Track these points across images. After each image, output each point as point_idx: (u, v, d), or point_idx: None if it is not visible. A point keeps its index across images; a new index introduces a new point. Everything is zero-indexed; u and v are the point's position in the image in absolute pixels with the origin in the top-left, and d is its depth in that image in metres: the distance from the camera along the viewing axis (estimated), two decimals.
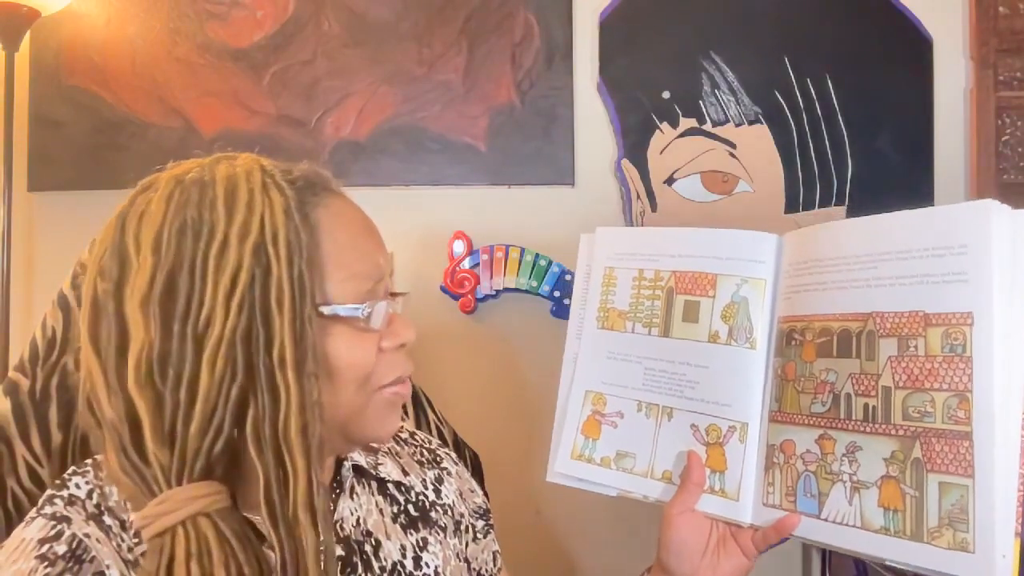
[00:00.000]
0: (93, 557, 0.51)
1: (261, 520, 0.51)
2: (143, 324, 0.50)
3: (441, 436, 1.02)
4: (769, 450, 0.68)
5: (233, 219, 0.52)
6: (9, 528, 0.62)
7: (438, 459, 0.76)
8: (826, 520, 0.62)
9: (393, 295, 0.61)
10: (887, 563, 0.59)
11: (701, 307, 0.73)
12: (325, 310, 0.54)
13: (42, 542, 0.51)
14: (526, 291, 1.53)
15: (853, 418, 0.62)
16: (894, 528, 0.58)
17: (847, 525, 0.61)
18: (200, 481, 0.50)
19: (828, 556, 1.49)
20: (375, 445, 0.71)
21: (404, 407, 0.99)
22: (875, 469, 0.60)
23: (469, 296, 1.53)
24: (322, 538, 0.51)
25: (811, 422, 0.65)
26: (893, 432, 0.59)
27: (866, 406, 0.61)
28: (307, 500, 0.50)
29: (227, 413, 0.51)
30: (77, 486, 0.55)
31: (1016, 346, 0.55)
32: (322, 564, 0.51)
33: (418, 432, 0.79)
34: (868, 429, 0.61)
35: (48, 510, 0.53)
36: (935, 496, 0.56)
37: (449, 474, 0.75)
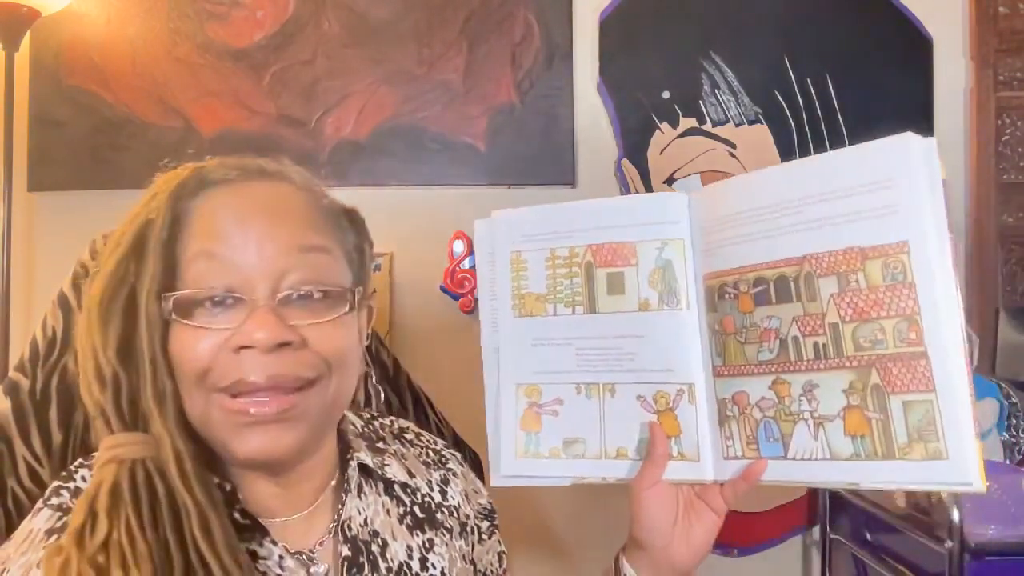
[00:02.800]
0: None
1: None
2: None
3: (441, 436, 1.02)
4: (720, 404, 0.68)
5: (124, 226, 0.56)
6: (9, 528, 0.62)
7: (444, 460, 0.76)
8: (793, 459, 0.63)
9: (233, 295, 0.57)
10: (862, 488, 0.61)
11: (626, 277, 0.72)
12: (165, 296, 0.54)
13: (49, 533, 0.52)
14: None
15: (804, 359, 0.63)
16: (864, 452, 0.59)
17: (816, 460, 0.62)
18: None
19: (828, 557, 1.49)
20: (381, 445, 0.70)
21: (404, 407, 0.98)
22: (835, 402, 0.61)
23: (469, 296, 1.53)
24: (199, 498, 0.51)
25: (761, 371, 0.65)
26: (848, 364, 0.61)
27: (816, 344, 0.62)
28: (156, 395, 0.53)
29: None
30: (83, 479, 0.56)
31: (944, 268, 0.58)
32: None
33: (424, 433, 0.79)
34: (822, 366, 0.62)
35: (55, 501, 0.54)
36: (900, 415, 0.58)
37: (455, 475, 0.75)
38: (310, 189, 0.61)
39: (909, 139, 0.60)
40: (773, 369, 0.64)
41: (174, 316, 0.53)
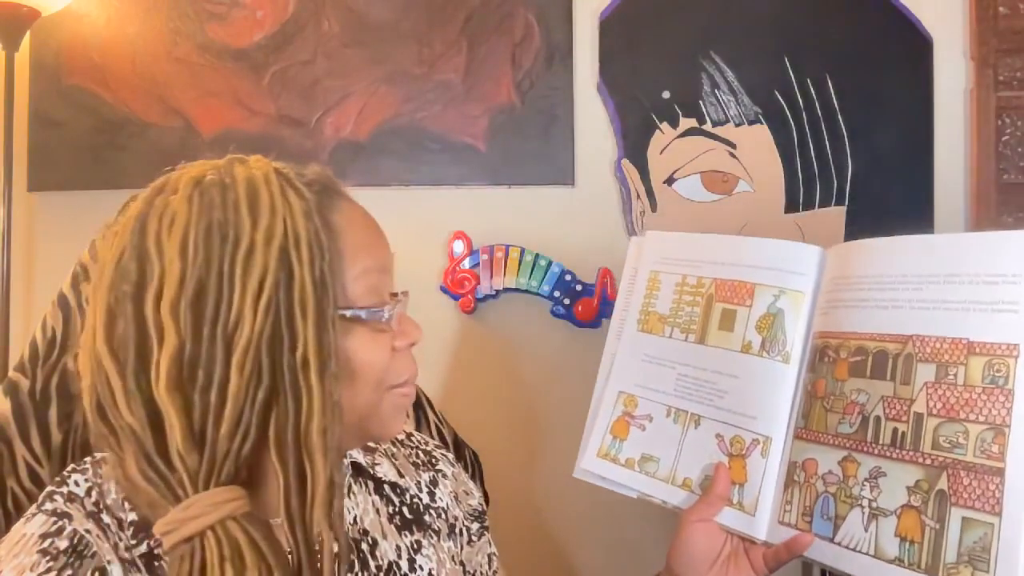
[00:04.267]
0: (94, 553, 0.52)
1: (275, 524, 0.52)
2: (174, 328, 0.50)
3: (441, 436, 1.03)
4: (791, 467, 0.66)
5: (258, 223, 0.52)
6: (9, 529, 0.62)
7: (434, 461, 0.76)
8: (839, 544, 0.61)
9: (393, 295, 0.61)
10: None
11: (737, 316, 0.72)
12: (347, 313, 0.55)
13: (43, 537, 0.51)
14: (526, 291, 1.53)
15: (880, 442, 0.60)
16: (908, 560, 0.56)
17: (859, 552, 0.59)
18: (226, 486, 0.50)
19: None
20: (372, 445, 0.71)
21: None
22: (897, 497, 0.58)
23: (469, 296, 1.53)
24: (339, 539, 0.51)
25: (836, 442, 0.63)
26: (920, 460, 0.57)
27: (895, 431, 0.59)
28: (326, 501, 0.51)
29: (254, 415, 0.51)
30: (76, 483, 0.55)
31: None
32: (336, 565, 0.51)
33: (415, 433, 0.79)
34: (894, 455, 0.59)
35: (48, 506, 0.54)
36: (956, 531, 0.54)
37: (444, 476, 0.75)
38: None
39: None
40: (848, 445, 0.62)
41: (382, 325, 0.58)
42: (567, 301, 1.52)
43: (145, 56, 1.62)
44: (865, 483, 0.60)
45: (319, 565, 0.50)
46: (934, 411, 0.58)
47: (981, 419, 0.55)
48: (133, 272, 0.52)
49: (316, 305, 0.52)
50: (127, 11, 1.62)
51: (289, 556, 0.51)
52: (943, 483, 0.56)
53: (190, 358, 0.50)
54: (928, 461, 0.57)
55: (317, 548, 0.51)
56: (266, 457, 0.52)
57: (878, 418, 0.61)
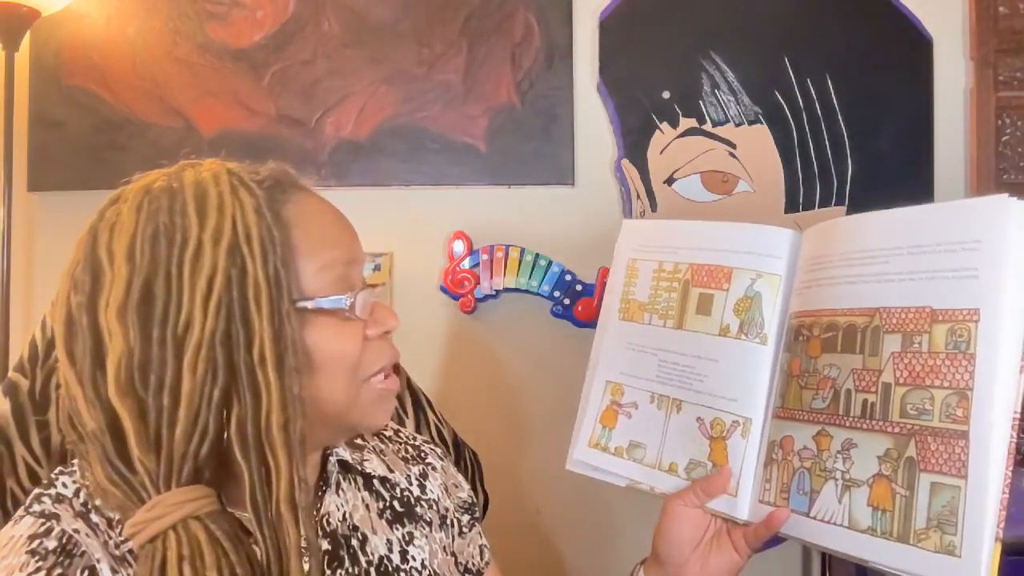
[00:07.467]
0: (83, 552, 0.52)
1: (248, 518, 0.52)
2: (121, 332, 0.51)
3: (441, 436, 1.03)
4: (770, 446, 0.67)
5: (205, 223, 0.53)
6: None
7: (423, 455, 0.77)
8: (814, 518, 0.62)
9: (370, 286, 0.61)
10: (870, 565, 0.58)
11: (715, 300, 0.73)
12: (308, 304, 0.55)
13: (32, 538, 0.52)
14: (526, 291, 1.53)
15: (851, 415, 0.61)
16: (880, 529, 0.57)
17: (834, 524, 0.60)
18: (188, 485, 0.51)
19: (828, 556, 1.49)
20: (360, 442, 0.72)
21: (404, 407, 0.99)
22: (868, 467, 0.59)
23: (469, 296, 1.53)
24: (304, 534, 0.51)
25: (810, 418, 0.64)
26: (889, 429, 0.58)
27: (865, 402, 0.60)
28: (289, 496, 0.51)
29: (211, 415, 0.51)
30: (64, 485, 0.56)
31: (1012, 346, 0.54)
32: (306, 559, 0.52)
33: (403, 429, 0.80)
34: (865, 426, 0.60)
35: (36, 508, 0.54)
36: (926, 496, 0.55)
37: (434, 469, 0.76)
38: None
39: (1007, 202, 0.56)
40: (821, 419, 0.63)
41: (348, 314, 0.57)
42: (567, 301, 1.52)
43: (145, 56, 1.62)
44: (838, 455, 0.61)
45: (288, 560, 0.51)
46: (901, 380, 0.59)
47: (946, 384, 0.56)
48: (86, 283, 0.53)
49: (270, 300, 0.52)
50: (127, 11, 1.62)
51: (258, 550, 0.51)
52: (911, 450, 0.57)
53: (140, 362, 0.51)
54: (896, 430, 0.58)
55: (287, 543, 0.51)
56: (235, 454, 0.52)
57: (849, 391, 0.62)
